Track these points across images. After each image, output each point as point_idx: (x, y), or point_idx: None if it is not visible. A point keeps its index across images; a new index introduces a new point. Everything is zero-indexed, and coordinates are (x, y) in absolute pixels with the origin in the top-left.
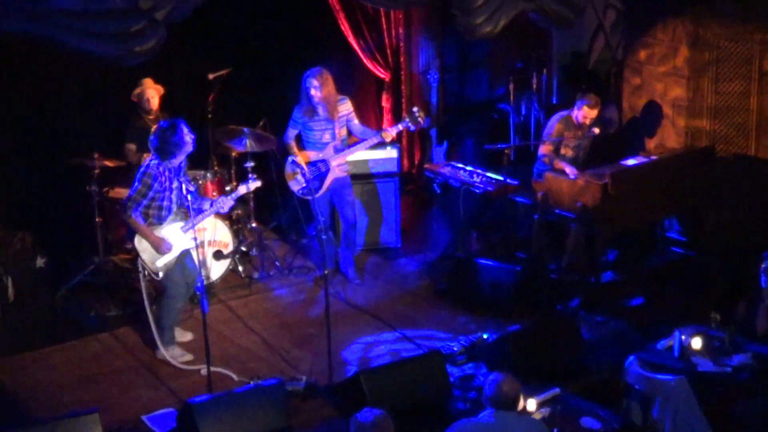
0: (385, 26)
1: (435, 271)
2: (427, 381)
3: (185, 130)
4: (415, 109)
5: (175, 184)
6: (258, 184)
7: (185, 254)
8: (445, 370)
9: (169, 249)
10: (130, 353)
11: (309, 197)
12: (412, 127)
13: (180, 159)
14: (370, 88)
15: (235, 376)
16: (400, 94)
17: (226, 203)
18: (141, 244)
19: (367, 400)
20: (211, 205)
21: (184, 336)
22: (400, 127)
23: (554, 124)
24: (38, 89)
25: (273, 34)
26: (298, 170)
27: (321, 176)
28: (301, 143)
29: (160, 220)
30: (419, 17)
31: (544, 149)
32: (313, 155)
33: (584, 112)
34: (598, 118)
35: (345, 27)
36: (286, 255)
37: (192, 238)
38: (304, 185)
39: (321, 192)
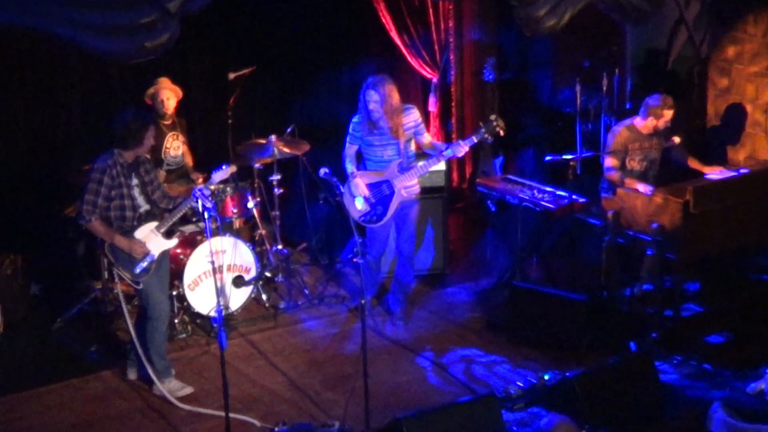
0: (432, 19)
1: (489, 302)
2: (479, 430)
3: (152, 126)
4: (492, 117)
5: (135, 182)
6: (233, 169)
7: (163, 263)
8: (501, 417)
9: (146, 252)
10: (136, 394)
11: (373, 225)
12: (490, 140)
13: (134, 154)
14: (415, 90)
15: (257, 422)
16: (450, 96)
17: (207, 200)
18: (114, 251)
19: None
20: (185, 202)
21: (183, 390)
22: (475, 139)
23: (616, 134)
24: (33, 94)
25: (303, 29)
26: (359, 193)
27: (385, 200)
28: (362, 160)
29: (129, 224)
30: (472, 9)
31: (609, 162)
32: (374, 175)
33: (664, 116)
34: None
35: (386, 20)
36: (317, 282)
37: (174, 239)
38: (368, 210)
39: (386, 218)
